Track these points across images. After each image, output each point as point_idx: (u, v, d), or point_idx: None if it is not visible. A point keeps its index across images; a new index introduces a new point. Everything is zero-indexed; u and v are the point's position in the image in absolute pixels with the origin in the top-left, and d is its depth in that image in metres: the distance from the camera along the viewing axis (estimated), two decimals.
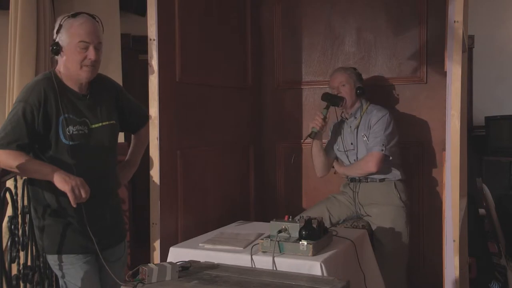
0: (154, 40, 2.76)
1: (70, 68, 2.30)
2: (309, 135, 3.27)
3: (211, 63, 3.31)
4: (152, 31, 2.76)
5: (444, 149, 2.50)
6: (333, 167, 3.43)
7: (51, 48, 2.30)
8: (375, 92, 3.56)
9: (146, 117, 2.68)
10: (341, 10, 3.74)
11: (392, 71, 3.62)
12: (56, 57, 2.33)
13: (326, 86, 3.77)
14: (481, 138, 5.78)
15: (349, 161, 3.34)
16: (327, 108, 3.27)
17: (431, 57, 3.49)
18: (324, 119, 3.24)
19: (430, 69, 3.52)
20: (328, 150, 3.42)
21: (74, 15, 2.29)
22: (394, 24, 3.61)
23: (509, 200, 4.25)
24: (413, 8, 3.54)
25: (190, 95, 3.09)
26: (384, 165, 3.18)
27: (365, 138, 3.24)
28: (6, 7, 3.59)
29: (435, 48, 3.43)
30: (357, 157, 3.30)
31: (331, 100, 3.28)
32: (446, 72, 2.46)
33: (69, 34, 2.27)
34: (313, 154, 3.36)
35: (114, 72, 3.30)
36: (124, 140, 3.47)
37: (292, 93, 3.90)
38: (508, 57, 6.02)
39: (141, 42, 3.39)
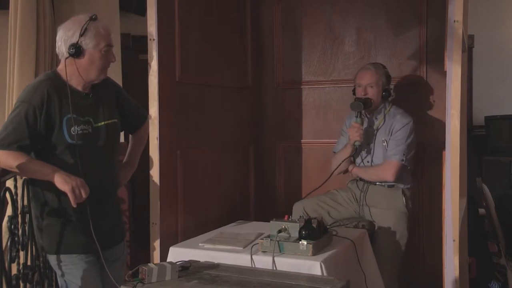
0: (154, 40, 2.76)
1: (90, 70, 2.29)
2: (356, 150, 3.21)
3: (211, 63, 3.31)
4: (152, 31, 2.76)
5: (444, 149, 2.50)
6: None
7: (69, 49, 2.25)
8: None
9: (144, 118, 2.68)
10: (341, 10, 3.74)
11: (392, 71, 3.61)
12: (66, 58, 2.28)
13: (326, 86, 3.79)
14: (481, 138, 5.78)
15: (362, 161, 3.28)
16: (359, 116, 3.16)
17: (431, 57, 3.49)
18: (362, 128, 3.17)
19: (430, 69, 3.52)
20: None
21: (94, 18, 2.28)
22: (394, 24, 3.61)
23: (509, 200, 4.25)
24: (413, 8, 3.54)
25: (190, 95, 3.09)
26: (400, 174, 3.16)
27: (384, 144, 3.19)
28: (6, 7, 3.59)
29: (435, 48, 3.43)
30: (372, 160, 3.25)
31: (363, 106, 3.14)
32: (446, 72, 2.47)
33: (97, 38, 2.27)
34: (343, 164, 3.26)
35: (114, 72, 3.29)
36: (124, 140, 3.47)
37: (292, 93, 3.90)
38: (508, 57, 6.02)
39: (141, 42, 3.39)
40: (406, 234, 3.19)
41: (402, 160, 3.12)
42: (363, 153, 3.28)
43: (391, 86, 3.36)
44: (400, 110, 3.26)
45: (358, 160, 3.33)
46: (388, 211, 3.17)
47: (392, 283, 3.16)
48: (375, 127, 3.26)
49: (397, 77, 3.60)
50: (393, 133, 3.18)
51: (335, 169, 3.30)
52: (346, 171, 3.36)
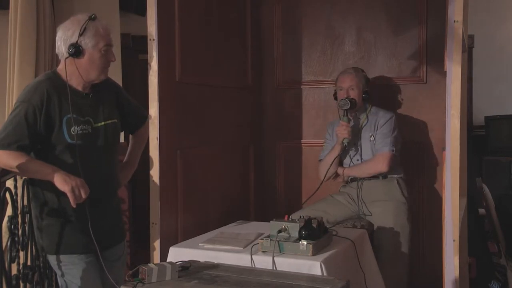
0: (154, 40, 2.76)
1: (90, 70, 2.29)
2: (345, 148, 3.27)
3: (211, 63, 3.31)
4: (152, 31, 2.76)
5: (444, 149, 2.50)
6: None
7: (69, 49, 2.25)
8: (375, 92, 3.56)
9: (144, 118, 2.68)
10: (341, 10, 3.74)
11: (392, 71, 3.63)
12: (66, 58, 2.28)
13: (326, 86, 3.79)
14: (481, 138, 5.78)
15: (352, 161, 3.34)
16: (346, 115, 3.26)
17: (431, 57, 3.49)
18: (349, 125, 3.25)
19: (430, 69, 3.52)
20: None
21: (93, 18, 2.28)
22: (394, 24, 3.61)
23: (509, 200, 4.25)
24: (413, 8, 3.54)
25: (190, 95, 3.09)
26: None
27: (372, 139, 3.27)
28: (6, 7, 3.59)
29: (435, 48, 3.43)
30: (361, 157, 3.31)
31: (350, 105, 3.22)
32: (446, 72, 2.47)
33: (96, 38, 2.27)
34: (333, 164, 3.29)
35: (114, 72, 3.30)
36: (124, 140, 3.47)
37: (292, 93, 3.90)
38: (508, 57, 6.02)
39: (141, 42, 3.39)
40: (408, 226, 3.19)
41: (392, 151, 3.20)
42: (351, 153, 3.35)
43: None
44: (381, 108, 3.36)
45: (347, 160, 3.36)
46: (387, 203, 3.20)
47: (399, 284, 3.16)
48: (359, 126, 3.33)
49: (397, 77, 3.61)
50: (379, 128, 3.27)
51: (326, 172, 3.31)
52: (336, 175, 3.38)
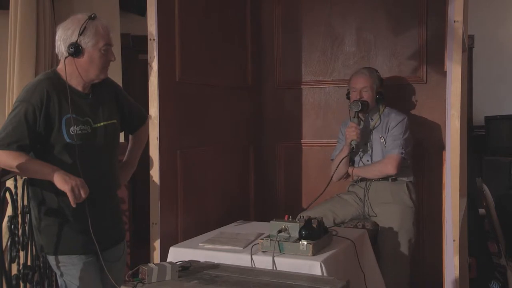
0: (154, 40, 2.76)
1: (90, 69, 2.29)
2: (352, 149, 3.24)
3: (211, 63, 3.32)
4: (152, 31, 2.76)
5: (444, 149, 2.50)
6: None
7: (69, 49, 2.24)
8: None
9: (144, 118, 2.67)
10: (341, 10, 3.74)
11: (392, 71, 3.63)
12: (66, 57, 2.28)
13: (326, 86, 3.79)
14: (481, 138, 5.78)
15: (362, 162, 3.32)
16: (357, 116, 3.22)
17: (431, 57, 3.49)
18: (359, 127, 3.22)
19: (430, 69, 3.52)
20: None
21: (93, 17, 2.28)
22: (394, 24, 3.61)
23: (509, 200, 4.25)
24: (413, 8, 3.55)
25: (190, 95, 3.09)
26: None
27: (382, 140, 3.25)
28: (6, 7, 3.59)
29: (435, 48, 3.43)
30: (371, 158, 3.28)
31: (361, 108, 3.20)
32: (446, 72, 2.47)
33: (96, 37, 2.26)
34: (342, 163, 3.28)
35: (114, 72, 3.30)
36: (124, 140, 3.47)
37: (292, 93, 3.90)
38: (508, 57, 6.01)
39: (141, 42, 3.39)
40: (413, 230, 3.18)
41: (402, 153, 3.18)
42: (361, 153, 3.32)
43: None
44: (394, 110, 3.33)
45: (357, 160, 3.34)
46: (394, 206, 3.19)
47: (400, 285, 3.15)
48: (371, 127, 3.31)
49: (397, 77, 3.61)
50: (390, 130, 3.24)
51: (334, 172, 3.31)
52: (347, 176, 3.37)
